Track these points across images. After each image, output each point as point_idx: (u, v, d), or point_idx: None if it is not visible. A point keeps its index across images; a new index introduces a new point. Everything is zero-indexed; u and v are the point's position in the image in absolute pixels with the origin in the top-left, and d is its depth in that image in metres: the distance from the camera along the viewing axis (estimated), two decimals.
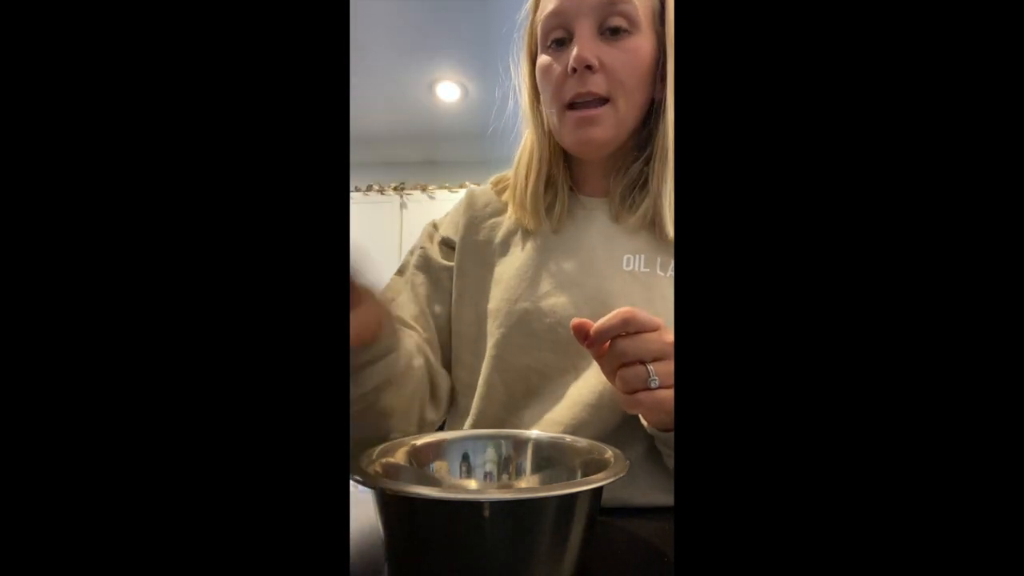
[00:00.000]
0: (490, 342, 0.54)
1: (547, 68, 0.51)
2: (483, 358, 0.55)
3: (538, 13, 0.53)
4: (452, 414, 0.59)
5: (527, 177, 0.57)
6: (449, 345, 0.58)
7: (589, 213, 0.56)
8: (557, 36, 0.50)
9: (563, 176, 0.58)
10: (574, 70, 0.48)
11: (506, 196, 0.61)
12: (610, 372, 0.40)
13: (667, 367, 0.37)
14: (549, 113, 0.53)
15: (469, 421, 0.55)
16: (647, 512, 0.46)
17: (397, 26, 2.06)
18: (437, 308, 0.58)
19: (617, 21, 0.48)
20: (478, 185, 0.67)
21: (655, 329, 0.38)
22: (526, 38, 0.56)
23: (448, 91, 2.54)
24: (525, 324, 0.53)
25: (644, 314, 0.37)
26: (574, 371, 0.52)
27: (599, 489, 0.32)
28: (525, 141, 0.59)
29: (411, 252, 0.63)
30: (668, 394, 0.37)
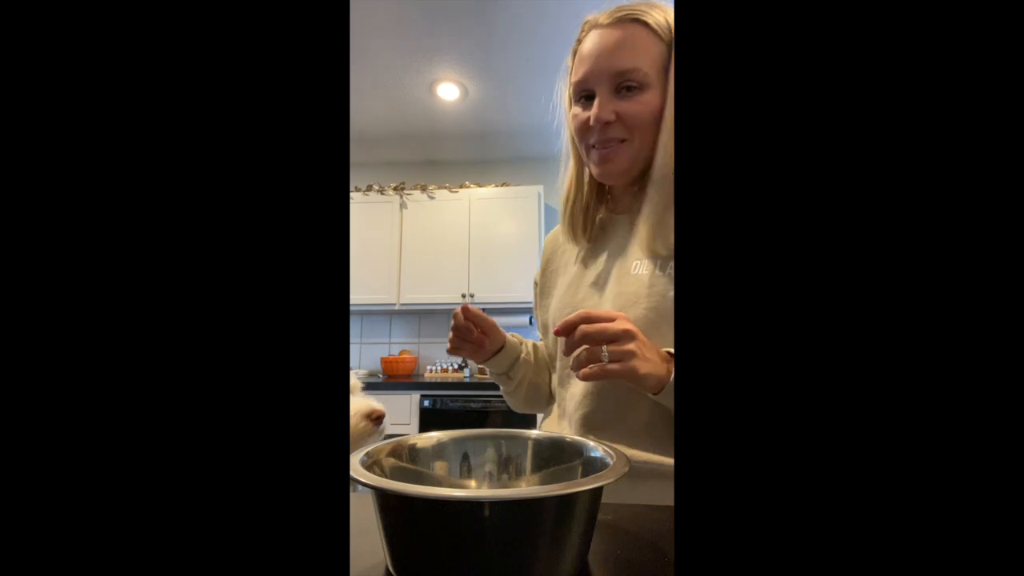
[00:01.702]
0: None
1: (577, 117, 0.67)
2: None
3: (572, 75, 0.68)
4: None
5: (567, 200, 0.75)
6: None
7: (615, 228, 0.72)
8: (585, 95, 0.66)
9: (596, 198, 0.74)
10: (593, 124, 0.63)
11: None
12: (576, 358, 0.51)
13: (620, 347, 0.48)
14: (580, 150, 0.69)
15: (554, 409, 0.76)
16: (647, 511, 0.46)
17: (397, 26, 2.06)
18: (541, 316, 0.81)
19: (630, 83, 0.62)
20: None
21: (611, 320, 0.49)
22: (567, 90, 0.70)
23: (448, 91, 2.54)
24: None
25: (600, 311, 0.50)
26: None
27: (599, 489, 0.32)
28: (568, 172, 0.75)
29: None
30: (617, 367, 0.48)
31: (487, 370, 0.77)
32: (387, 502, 0.31)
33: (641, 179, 0.67)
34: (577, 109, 0.67)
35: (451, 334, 0.71)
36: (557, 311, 0.71)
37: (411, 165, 3.32)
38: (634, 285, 0.63)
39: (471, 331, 0.71)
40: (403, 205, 3.03)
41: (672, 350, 0.54)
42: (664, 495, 0.53)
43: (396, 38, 2.14)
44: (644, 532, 0.41)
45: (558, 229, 0.82)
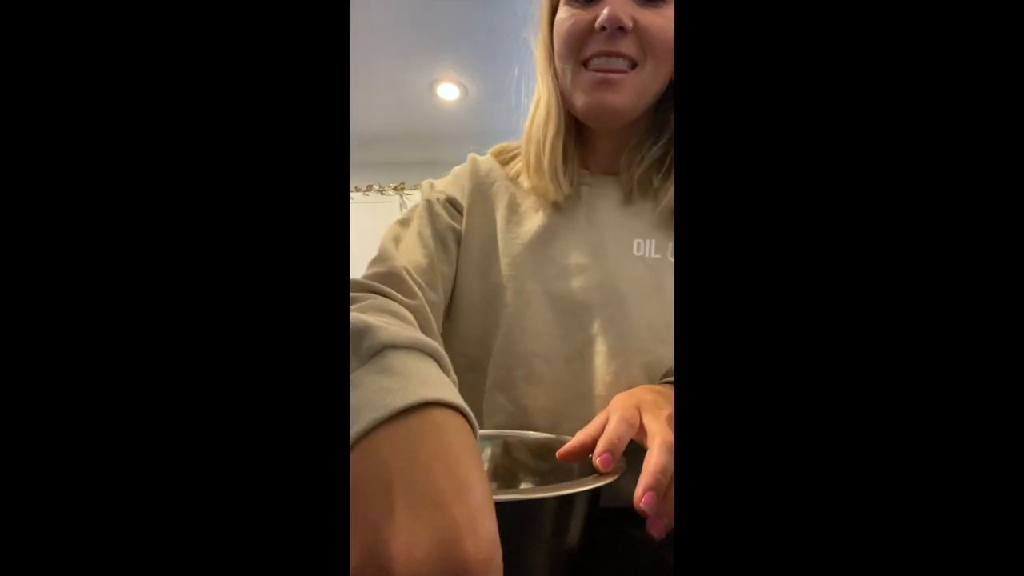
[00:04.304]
0: (500, 320, 0.52)
1: (568, 21, 0.47)
2: (493, 335, 0.52)
3: None
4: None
5: (542, 141, 0.52)
6: (449, 315, 0.55)
7: (598, 191, 0.53)
8: None
9: (573, 146, 0.54)
10: (603, 28, 0.45)
11: (514, 166, 0.57)
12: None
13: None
14: (563, 71, 0.49)
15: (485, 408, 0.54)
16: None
17: (397, 26, 2.06)
18: (444, 269, 0.53)
19: None
20: None
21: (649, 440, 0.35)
22: None
23: (448, 91, 2.54)
24: (533, 307, 0.51)
25: (622, 442, 0.36)
26: (579, 358, 0.50)
27: (598, 490, 0.32)
28: (537, 104, 0.55)
29: (412, 208, 0.56)
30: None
31: None
32: None
33: (636, 129, 0.50)
34: (571, 10, 0.47)
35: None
36: (511, 280, 0.50)
37: (411, 165, 3.32)
38: (639, 272, 0.49)
39: None
40: (403, 205, 3.03)
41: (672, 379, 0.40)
42: None
43: (396, 38, 2.14)
44: (644, 533, 0.41)
45: (489, 160, 0.59)
